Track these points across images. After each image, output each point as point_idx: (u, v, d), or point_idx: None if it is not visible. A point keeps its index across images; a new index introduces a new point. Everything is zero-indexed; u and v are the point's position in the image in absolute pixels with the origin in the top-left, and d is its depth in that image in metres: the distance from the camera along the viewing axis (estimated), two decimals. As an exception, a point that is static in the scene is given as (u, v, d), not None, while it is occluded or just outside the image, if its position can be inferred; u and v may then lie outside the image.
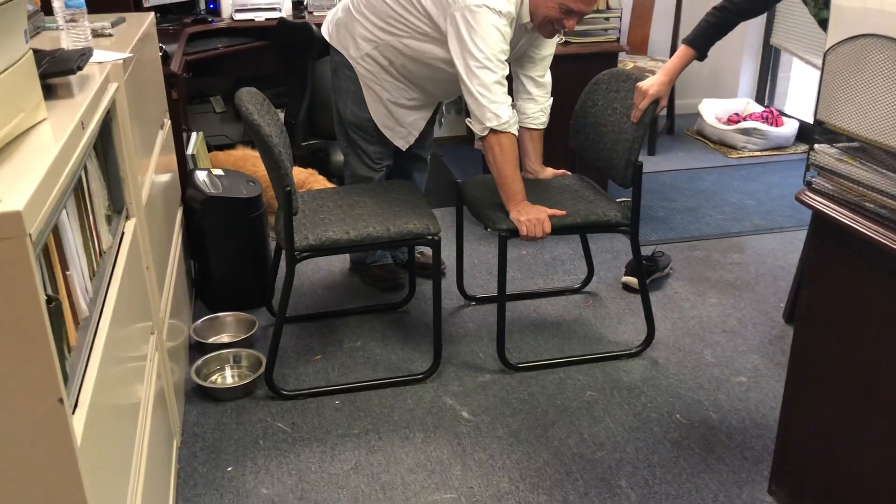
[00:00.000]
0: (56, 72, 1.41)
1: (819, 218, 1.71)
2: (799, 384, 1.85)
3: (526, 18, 2.42)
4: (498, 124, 2.34)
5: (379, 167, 2.84)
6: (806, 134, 4.68)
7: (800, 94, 5.32)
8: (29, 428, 1.05)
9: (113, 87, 1.73)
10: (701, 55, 2.48)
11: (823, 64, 1.65)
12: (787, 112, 4.87)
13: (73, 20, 1.77)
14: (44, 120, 1.33)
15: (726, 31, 2.48)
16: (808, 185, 1.73)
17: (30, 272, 0.99)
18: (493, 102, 2.34)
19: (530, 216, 2.34)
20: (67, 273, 1.28)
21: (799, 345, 1.84)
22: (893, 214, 1.51)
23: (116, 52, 1.86)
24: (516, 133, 2.40)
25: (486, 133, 2.37)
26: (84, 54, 1.54)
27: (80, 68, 1.48)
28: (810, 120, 4.69)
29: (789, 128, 4.63)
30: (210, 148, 3.79)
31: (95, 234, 1.56)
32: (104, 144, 1.75)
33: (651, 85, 2.38)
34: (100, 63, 1.75)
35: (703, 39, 2.46)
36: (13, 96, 1.18)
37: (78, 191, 1.42)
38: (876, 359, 1.60)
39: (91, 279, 1.46)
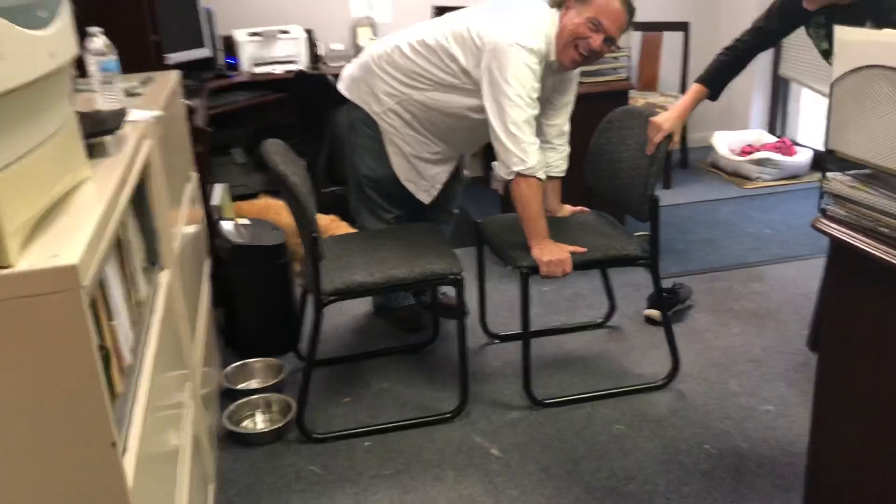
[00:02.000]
0: (97, 132, 1.48)
1: (835, 244, 1.74)
2: (825, 411, 1.87)
3: (553, 56, 2.47)
4: (524, 168, 2.39)
5: (389, 219, 2.88)
6: (820, 162, 4.71)
7: (811, 123, 5.36)
8: (82, 471, 1.10)
9: (147, 144, 1.81)
10: (713, 94, 2.54)
11: (831, 95, 1.70)
12: (799, 141, 4.91)
13: (107, 82, 1.86)
14: (87, 178, 1.40)
15: (738, 69, 2.55)
16: (823, 212, 1.77)
17: (84, 322, 1.05)
18: (521, 143, 2.38)
19: (553, 257, 2.39)
20: (112, 323, 1.34)
21: (823, 371, 1.86)
22: (908, 238, 1.54)
23: (148, 111, 1.95)
24: (543, 178, 2.45)
25: (512, 177, 2.42)
26: (121, 114, 1.61)
27: (118, 128, 1.55)
28: (823, 148, 4.74)
29: (803, 157, 4.67)
30: (233, 198, 3.87)
31: (134, 286, 1.62)
32: (139, 199, 1.82)
33: (665, 120, 2.44)
34: (134, 122, 1.83)
35: (715, 78, 2.53)
36: (62, 157, 1.25)
37: (119, 245, 1.49)
38: (900, 381, 1.61)
39: (132, 328, 1.52)
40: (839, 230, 1.70)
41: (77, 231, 1.15)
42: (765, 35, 2.50)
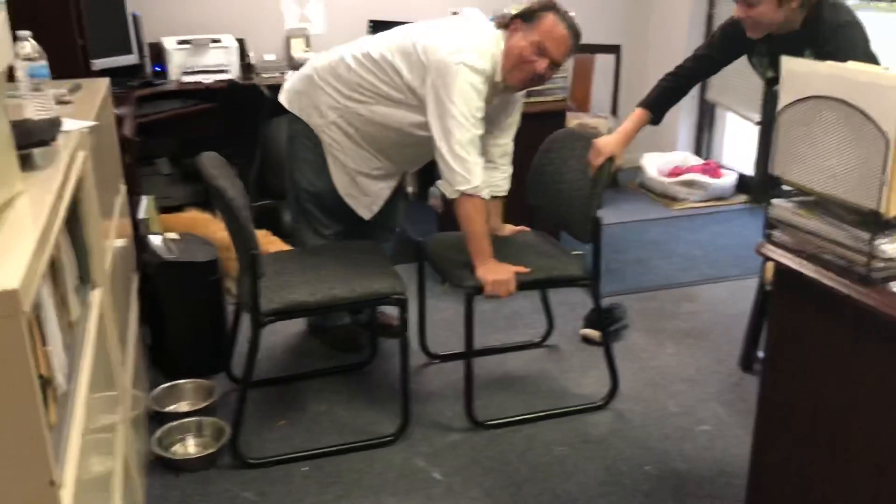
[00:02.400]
0: (30, 143, 1.39)
1: (780, 269, 1.78)
2: (767, 432, 1.90)
3: (500, 77, 2.46)
4: (469, 188, 2.37)
5: (328, 235, 2.83)
6: (744, 185, 4.87)
7: (736, 146, 5.54)
8: (18, 513, 1.02)
9: (81, 155, 1.71)
10: (656, 118, 2.57)
11: (777, 123, 1.74)
12: (725, 164, 5.07)
13: (37, 89, 1.75)
14: (20, 193, 1.30)
15: (681, 95, 2.60)
16: (768, 237, 1.80)
17: (24, 351, 0.97)
18: (465, 163, 2.37)
19: (497, 276, 2.37)
20: (47, 348, 1.24)
21: (766, 394, 1.89)
22: (850, 264, 1.58)
23: (81, 121, 1.84)
24: (487, 197, 2.43)
25: (456, 196, 2.40)
26: (55, 125, 1.52)
27: (53, 139, 1.46)
28: (748, 172, 4.90)
29: (728, 179, 4.81)
30: (158, 211, 3.73)
31: (66, 307, 1.52)
32: (71, 214, 1.72)
33: (606, 143, 2.46)
34: (66, 132, 1.73)
35: (658, 104, 2.56)
36: (-5, 171, 1.16)
37: (52, 264, 1.39)
38: (842, 404, 1.65)
39: (65, 353, 1.42)
40: (783, 255, 1.73)
41: (13, 251, 1.06)
42: (707, 63, 2.55)
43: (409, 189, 3.08)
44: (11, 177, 1.26)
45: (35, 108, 1.75)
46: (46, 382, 1.18)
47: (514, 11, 2.51)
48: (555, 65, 2.45)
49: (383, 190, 2.77)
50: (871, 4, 4.01)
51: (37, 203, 1.27)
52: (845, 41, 2.21)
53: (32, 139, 1.40)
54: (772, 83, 2.47)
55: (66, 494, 1.12)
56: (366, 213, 2.78)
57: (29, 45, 1.74)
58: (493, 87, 2.48)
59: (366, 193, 2.74)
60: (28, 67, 1.73)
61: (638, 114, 2.56)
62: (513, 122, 2.71)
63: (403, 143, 2.63)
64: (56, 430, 1.21)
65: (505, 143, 2.71)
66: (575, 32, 2.44)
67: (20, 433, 0.98)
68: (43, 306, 1.26)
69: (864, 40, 2.23)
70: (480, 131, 2.41)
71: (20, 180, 1.31)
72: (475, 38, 2.42)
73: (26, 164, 1.50)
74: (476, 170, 2.39)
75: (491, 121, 2.62)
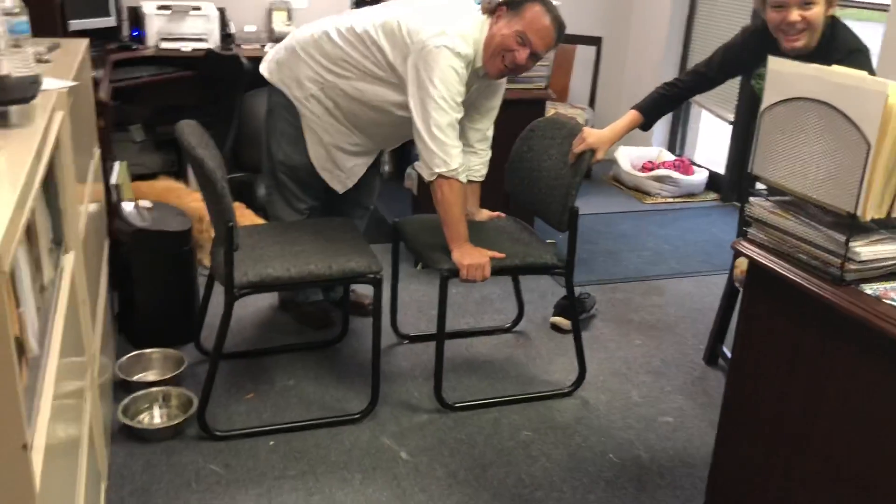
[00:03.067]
0: (10, 100, 1.35)
1: (753, 266, 1.81)
2: (731, 426, 1.94)
3: (480, 63, 2.46)
4: (446, 170, 2.37)
5: (302, 210, 2.82)
6: (715, 183, 4.92)
7: (708, 144, 5.61)
8: (-11, 475, 1.00)
9: (59, 115, 1.68)
10: (647, 124, 2.59)
11: (759, 122, 1.76)
12: (697, 161, 5.12)
13: (17, 45, 1.70)
14: (-1, 150, 1.28)
15: (674, 105, 2.64)
16: (743, 235, 1.83)
17: (2, 312, 0.95)
18: (444, 145, 2.37)
19: (473, 260, 2.38)
20: (20, 310, 1.22)
21: (731, 389, 1.93)
22: (823, 265, 1.61)
23: (60, 80, 1.81)
24: (464, 181, 2.44)
25: (434, 178, 2.39)
26: (36, 82, 1.49)
27: (33, 97, 1.43)
28: (719, 170, 4.96)
29: (699, 176, 4.86)
30: (131, 178, 3.68)
31: (40, 269, 1.50)
32: (47, 175, 1.68)
33: (592, 133, 2.47)
34: (45, 90, 1.70)
35: (652, 109, 2.58)
36: (-23, 126, 1.13)
37: (27, 225, 1.37)
38: (807, 402, 1.69)
39: (37, 316, 1.40)
40: (758, 253, 1.76)
41: (-7, 209, 1.04)
42: (703, 81, 2.58)
43: (386, 168, 3.07)
44: (-9, 133, 1.23)
45: (14, 65, 1.71)
46: (19, 345, 1.16)
47: None
48: (535, 56, 2.46)
49: (358, 166, 2.76)
50: (854, 13, 4.07)
51: (15, 162, 1.25)
52: (858, 68, 2.22)
53: (12, 96, 1.37)
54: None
55: (37, 458, 1.10)
56: (339, 188, 2.78)
57: (10, 0, 1.70)
58: (474, 73, 2.48)
59: (340, 168, 2.73)
60: (8, 22, 1.69)
61: (631, 115, 2.58)
62: (493, 106, 2.71)
63: (382, 121, 2.62)
64: (27, 394, 1.20)
65: (484, 127, 2.71)
66: (559, 25, 2.44)
67: (-5, 395, 0.97)
68: (18, 267, 1.24)
69: (872, 72, 2.23)
70: (459, 115, 2.41)
71: (-1, 137, 1.29)
72: (459, 22, 2.42)
73: (3, 121, 1.47)
74: (454, 153, 2.39)
75: (472, 105, 2.62)
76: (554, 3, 2.45)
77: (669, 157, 5.09)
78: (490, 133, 2.75)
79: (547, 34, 2.43)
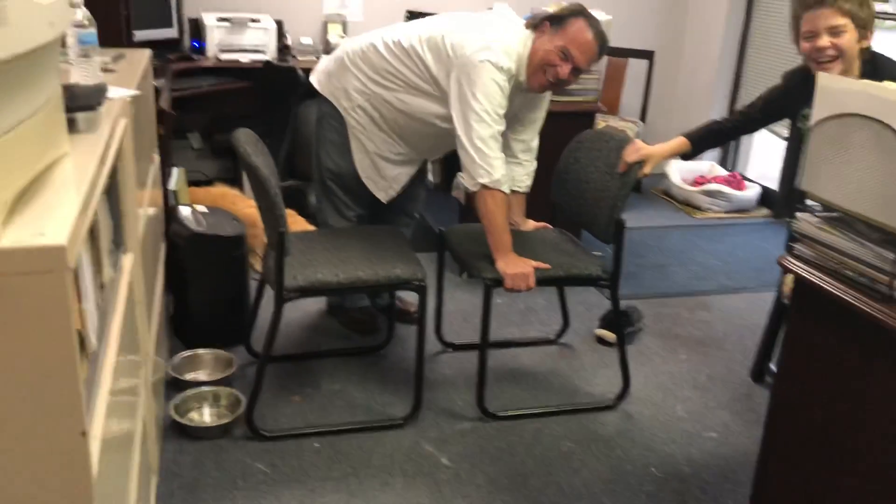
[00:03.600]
0: (79, 107, 1.43)
1: (800, 282, 1.80)
2: (775, 442, 1.92)
3: (523, 77, 2.50)
4: (489, 181, 2.41)
5: (350, 217, 2.87)
6: (767, 199, 4.86)
7: (762, 160, 5.53)
8: (50, 458, 1.06)
9: (123, 122, 1.76)
10: (692, 153, 2.60)
11: (809, 138, 1.75)
12: (749, 177, 5.06)
13: (85, 55, 1.79)
14: (66, 154, 1.35)
15: (721, 141, 2.67)
16: (790, 250, 1.82)
17: (66, 306, 1.01)
18: (486, 157, 2.41)
19: (517, 270, 2.40)
20: (82, 306, 1.29)
21: (776, 403, 1.91)
22: (870, 282, 1.60)
23: (124, 89, 1.89)
24: (507, 191, 2.46)
25: (477, 188, 2.43)
26: (102, 90, 1.56)
27: (100, 104, 1.50)
28: (772, 186, 4.89)
29: (752, 192, 4.80)
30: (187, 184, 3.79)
31: (100, 268, 1.57)
32: (110, 179, 1.76)
33: (645, 146, 2.48)
34: (110, 99, 1.78)
35: (701, 139, 2.60)
36: (47, 131, 1.20)
37: (90, 226, 1.44)
38: (852, 419, 1.67)
39: (97, 312, 1.46)
40: (804, 269, 1.75)
41: (60, 209, 1.10)
42: (748, 122, 2.62)
43: (430, 178, 3.11)
44: (60, 138, 1.30)
45: (82, 74, 1.80)
46: (80, 339, 1.23)
47: (551, 10, 2.54)
48: (577, 70, 2.49)
49: (401, 175, 2.82)
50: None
51: (81, 166, 1.31)
52: None
53: (80, 103, 1.45)
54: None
55: (94, 446, 1.16)
56: (383, 196, 2.83)
57: (80, 13, 1.79)
58: (517, 86, 2.51)
59: (384, 177, 2.79)
60: (78, 34, 1.78)
61: (679, 141, 2.60)
62: (537, 118, 2.74)
63: (425, 132, 2.68)
64: (86, 385, 1.26)
65: (528, 138, 2.75)
66: (602, 39, 2.47)
67: (58, 384, 1.03)
68: (81, 265, 1.30)
69: None
70: (502, 127, 2.44)
71: (67, 143, 1.36)
72: (502, 37, 2.46)
73: (71, 127, 1.55)
74: (497, 164, 2.42)
75: (515, 116, 2.66)
76: (602, 17, 2.47)
77: (721, 171, 5.04)
78: (534, 144, 2.77)
79: (589, 49, 2.46)
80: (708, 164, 5.12)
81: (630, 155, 2.46)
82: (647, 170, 2.49)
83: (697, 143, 2.59)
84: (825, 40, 2.23)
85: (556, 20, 2.46)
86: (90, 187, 1.23)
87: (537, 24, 2.50)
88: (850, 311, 1.61)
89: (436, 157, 3.04)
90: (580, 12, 2.46)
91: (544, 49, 2.45)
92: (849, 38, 2.21)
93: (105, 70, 2.12)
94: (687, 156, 2.62)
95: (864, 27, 2.23)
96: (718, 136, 2.64)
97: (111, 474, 1.34)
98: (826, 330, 1.74)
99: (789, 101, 2.49)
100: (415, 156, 2.82)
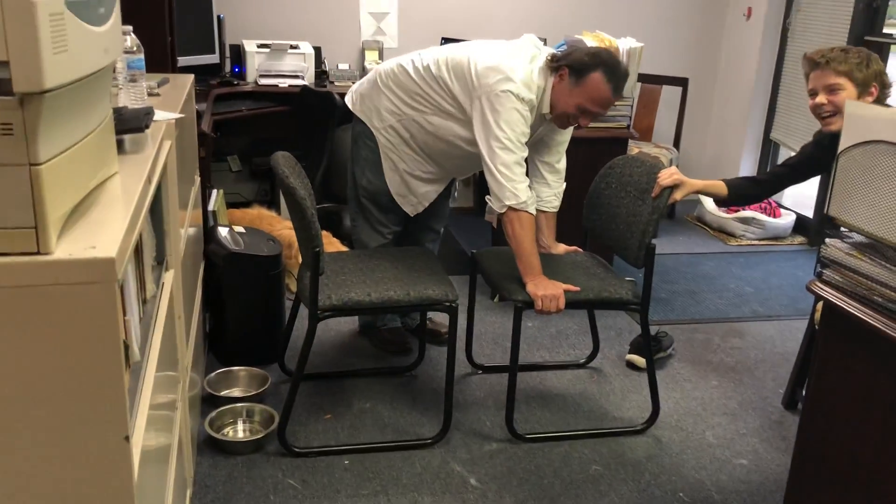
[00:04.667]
0: (127, 129, 1.50)
1: (829, 308, 1.80)
2: (804, 468, 1.92)
3: (546, 109, 2.57)
4: (516, 203, 2.46)
5: (386, 234, 2.94)
6: (802, 227, 4.83)
7: (797, 188, 5.48)
8: (95, 461, 1.11)
9: (167, 144, 1.83)
10: (727, 200, 2.65)
11: (836, 164, 1.77)
12: (784, 205, 5.03)
13: (133, 80, 1.88)
14: (115, 173, 1.42)
15: (757, 196, 2.68)
16: (819, 276, 1.83)
17: (114, 315, 1.06)
18: (511, 181, 2.46)
19: (547, 292, 2.43)
20: (126, 318, 1.35)
21: (805, 430, 1.91)
22: (900, 309, 1.60)
23: (169, 112, 1.97)
24: (534, 213, 2.51)
25: (504, 210, 2.48)
26: (149, 113, 1.64)
27: (147, 127, 1.57)
28: (807, 213, 4.86)
29: (786, 219, 4.78)
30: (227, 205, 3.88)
31: (143, 283, 1.63)
32: (154, 198, 1.84)
33: (679, 173, 2.51)
34: (156, 121, 1.85)
35: (737, 188, 2.64)
36: (100, 151, 1.27)
37: (136, 242, 1.50)
38: (881, 446, 1.67)
39: (140, 325, 1.52)
40: (833, 295, 1.76)
41: (109, 224, 1.17)
42: (783, 178, 2.66)
43: (456, 194, 3.18)
44: (111, 158, 1.37)
45: (130, 98, 1.88)
46: (125, 349, 1.29)
47: (585, 38, 2.59)
48: (598, 115, 2.60)
49: (430, 193, 2.88)
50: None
51: (129, 184, 1.38)
52: None
53: (129, 125, 1.52)
54: None
55: (136, 451, 1.21)
56: (410, 211, 2.91)
57: (129, 39, 1.88)
58: (541, 117, 2.59)
59: (413, 194, 2.86)
60: (127, 59, 1.86)
61: (718, 183, 2.65)
62: (562, 141, 2.80)
63: (453, 154, 2.74)
64: (129, 394, 1.32)
65: (553, 160, 2.80)
66: (620, 88, 2.53)
67: (105, 389, 1.08)
68: (126, 279, 1.36)
69: None
70: (525, 153, 2.52)
71: (117, 163, 1.43)
72: (524, 69, 2.52)
73: (119, 147, 1.62)
74: (521, 188, 2.48)
75: (542, 140, 2.74)
76: (634, 44, 2.52)
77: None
78: (560, 166, 2.82)
79: (606, 101, 2.55)
80: (742, 191, 5.10)
81: (665, 179, 2.49)
82: (678, 196, 2.51)
83: (733, 190, 2.63)
84: (822, 98, 2.40)
85: (575, 70, 2.51)
86: (137, 205, 1.29)
87: (557, 68, 2.55)
88: (879, 336, 1.61)
89: (464, 177, 3.10)
90: (600, 62, 2.49)
91: (563, 102, 2.55)
92: (846, 96, 2.35)
93: (151, 94, 2.20)
94: (720, 201, 2.65)
95: (865, 85, 2.36)
96: (754, 188, 2.66)
97: (149, 484, 1.39)
98: (855, 355, 1.74)
99: (821, 152, 2.54)
100: (443, 175, 2.89)
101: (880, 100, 2.38)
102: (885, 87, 2.39)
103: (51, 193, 1.02)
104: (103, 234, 1.12)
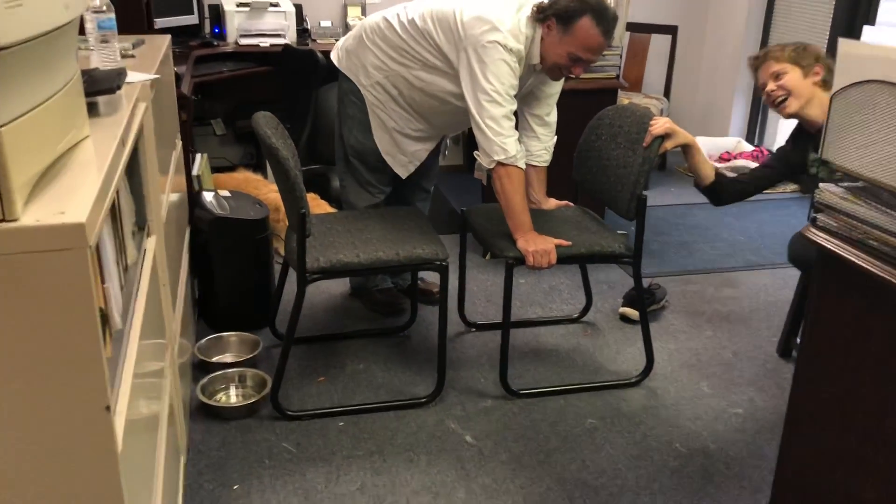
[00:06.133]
0: (98, 90, 1.45)
1: (823, 254, 1.77)
2: (800, 415, 1.91)
3: (535, 60, 2.49)
4: (505, 158, 2.41)
5: (375, 194, 2.89)
6: (794, 174, 4.79)
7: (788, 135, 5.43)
8: (75, 432, 1.08)
9: (142, 106, 1.78)
10: (711, 187, 2.61)
11: (830, 106, 1.73)
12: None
13: (104, 41, 1.81)
14: (86, 137, 1.37)
15: (738, 194, 2.64)
16: (813, 221, 1.80)
17: (87, 282, 1.03)
18: (500, 135, 2.41)
19: (538, 247, 2.40)
20: (105, 286, 1.31)
21: (801, 376, 1.90)
22: (895, 251, 1.57)
23: (144, 73, 1.91)
24: (523, 167, 2.46)
25: (493, 165, 2.43)
26: (121, 75, 1.58)
27: (118, 88, 1.52)
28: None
29: (778, 167, 4.73)
30: (211, 169, 3.82)
31: (124, 250, 1.59)
32: (131, 162, 1.79)
33: (671, 122, 2.47)
34: (130, 83, 1.80)
35: (723, 181, 2.62)
36: (67, 113, 1.22)
37: (112, 207, 1.46)
38: (877, 391, 1.65)
39: (121, 293, 1.49)
40: (828, 240, 1.73)
41: (80, 189, 1.12)
42: (762, 178, 2.64)
43: (446, 152, 3.13)
44: (81, 121, 1.32)
45: (102, 59, 1.82)
46: (104, 318, 1.25)
47: None
48: (591, 62, 2.52)
49: (420, 151, 2.83)
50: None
51: (101, 147, 1.33)
52: None
53: (99, 87, 1.46)
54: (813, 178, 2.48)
55: (119, 421, 1.19)
56: (402, 172, 2.85)
57: (99, -1, 1.81)
58: (531, 68, 2.52)
59: (404, 153, 2.81)
60: (97, 19, 1.80)
61: (710, 163, 2.64)
62: (551, 93, 2.74)
63: (441, 109, 2.68)
64: (111, 364, 1.28)
65: (543, 113, 2.74)
66: (610, 31, 2.44)
67: (81, 359, 1.05)
68: (103, 245, 1.32)
69: None
70: (513, 106, 2.45)
71: (87, 125, 1.38)
72: (511, 18, 2.45)
73: (91, 110, 1.57)
74: (510, 142, 2.43)
75: (530, 92, 2.67)
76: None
77: (748, 147, 4.97)
78: (550, 118, 2.76)
79: (599, 47, 2.47)
80: (734, 140, 5.06)
81: (657, 128, 2.44)
82: (669, 145, 2.47)
83: (720, 181, 2.60)
84: (771, 85, 2.47)
85: (563, 18, 2.43)
86: (110, 168, 1.25)
87: (544, 19, 2.47)
88: (874, 281, 1.59)
89: (454, 134, 3.05)
90: (586, 9, 2.40)
91: (555, 52, 2.47)
92: (791, 77, 2.42)
93: (125, 56, 2.14)
94: (704, 187, 2.61)
95: (808, 67, 2.43)
96: (738, 185, 2.63)
97: (137, 452, 1.37)
98: (849, 302, 1.72)
99: (795, 151, 2.58)
100: (433, 132, 2.83)
101: (826, 80, 2.40)
102: (829, 70, 2.41)
103: (13, 157, 0.98)
104: (74, 199, 1.08)
